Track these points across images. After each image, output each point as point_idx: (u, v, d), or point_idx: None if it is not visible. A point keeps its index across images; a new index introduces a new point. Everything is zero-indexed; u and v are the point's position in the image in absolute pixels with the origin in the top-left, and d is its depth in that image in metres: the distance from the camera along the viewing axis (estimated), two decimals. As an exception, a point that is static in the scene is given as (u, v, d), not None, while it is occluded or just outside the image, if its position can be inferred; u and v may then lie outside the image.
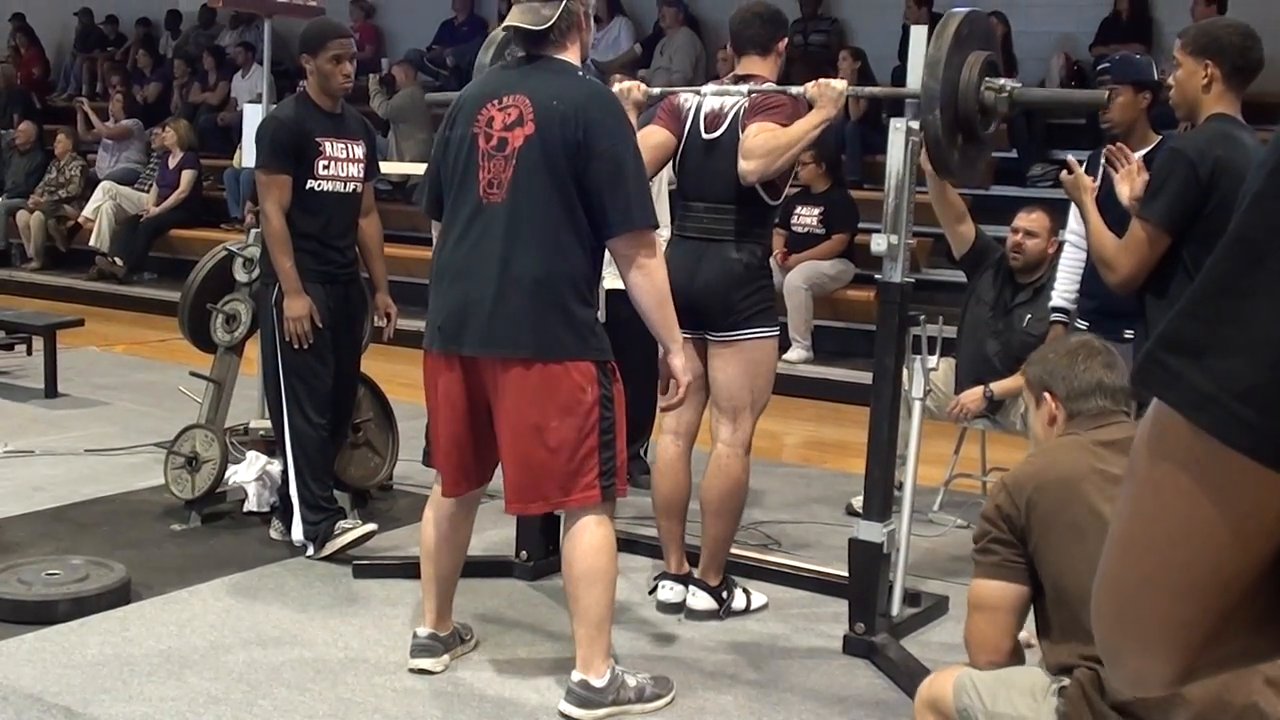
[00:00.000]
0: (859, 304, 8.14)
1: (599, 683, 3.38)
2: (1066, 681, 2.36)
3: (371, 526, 4.62)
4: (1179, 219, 3.55)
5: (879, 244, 3.84)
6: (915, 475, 4.14)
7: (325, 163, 4.58)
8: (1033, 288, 5.04)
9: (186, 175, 11.23)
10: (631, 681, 3.46)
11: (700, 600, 4.14)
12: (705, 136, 4.02)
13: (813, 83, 3.95)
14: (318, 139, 4.56)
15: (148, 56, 14.26)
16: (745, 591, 4.24)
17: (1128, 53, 5.80)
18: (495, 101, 3.39)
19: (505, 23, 3.48)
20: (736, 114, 3.98)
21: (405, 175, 10.16)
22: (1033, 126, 9.42)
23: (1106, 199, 3.90)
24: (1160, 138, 4.24)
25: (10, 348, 7.67)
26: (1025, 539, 2.42)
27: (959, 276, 5.60)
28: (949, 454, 5.30)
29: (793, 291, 8.04)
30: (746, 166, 3.85)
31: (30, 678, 3.53)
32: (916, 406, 4.27)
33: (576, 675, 3.40)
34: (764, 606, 4.25)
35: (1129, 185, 3.82)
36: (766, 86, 4.02)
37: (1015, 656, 2.55)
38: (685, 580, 4.19)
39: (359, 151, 4.70)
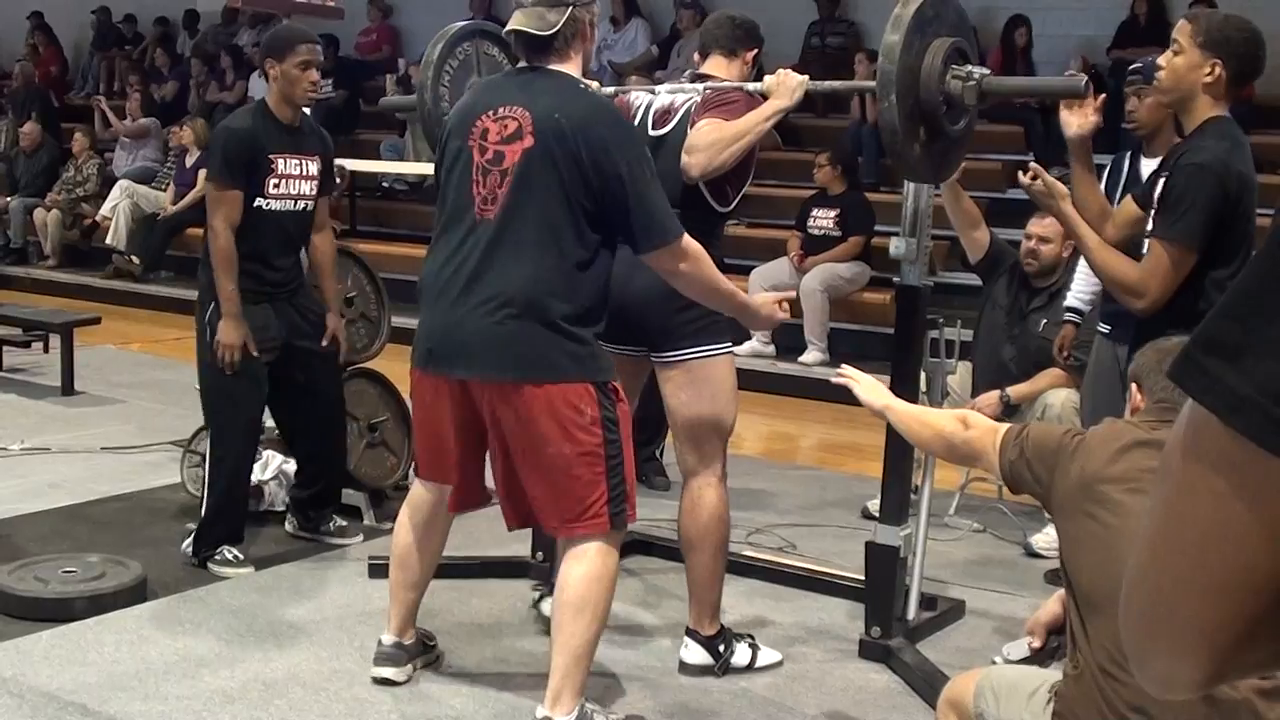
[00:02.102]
0: (875, 306, 8.13)
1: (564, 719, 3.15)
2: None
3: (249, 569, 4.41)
4: (1210, 237, 3.41)
5: (898, 247, 3.82)
6: (932, 479, 4.13)
7: (276, 181, 4.37)
8: (1048, 293, 5.02)
9: (203, 174, 11.24)
10: None
11: (693, 654, 3.73)
12: (652, 133, 3.69)
13: (772, 74, 3.75)
14: (271, 155, 4.34)
15: (165, 55, 14.33)
16: (752, 646, 3.80)
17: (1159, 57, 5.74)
18: (490, 113, 3.22)
19: (507, 27, 3.29)
20: (687, 110, 3.69)
21: (422, 175, 10.17)
22: (1050, 128, 9.38)
23: (1124, 192, 3.86)
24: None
25: (27, 345, 7.71)
26: (1044, 498, 2.53)
27: (975, 280, 5.59)
28: (965, 458, 5.28)
29: (809, 294, 8.04)
30: (688, 160, 3.54)
31: (46, 675, 3.54)
32: (933, 410, 4.26)
33: (541, 711, 3.15)
34: (778, 664, 3.82)
35: (1078, 119, 3.74)
36: (723, 84, 3.75)
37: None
38: None
39: (313, 168, 4.48)
